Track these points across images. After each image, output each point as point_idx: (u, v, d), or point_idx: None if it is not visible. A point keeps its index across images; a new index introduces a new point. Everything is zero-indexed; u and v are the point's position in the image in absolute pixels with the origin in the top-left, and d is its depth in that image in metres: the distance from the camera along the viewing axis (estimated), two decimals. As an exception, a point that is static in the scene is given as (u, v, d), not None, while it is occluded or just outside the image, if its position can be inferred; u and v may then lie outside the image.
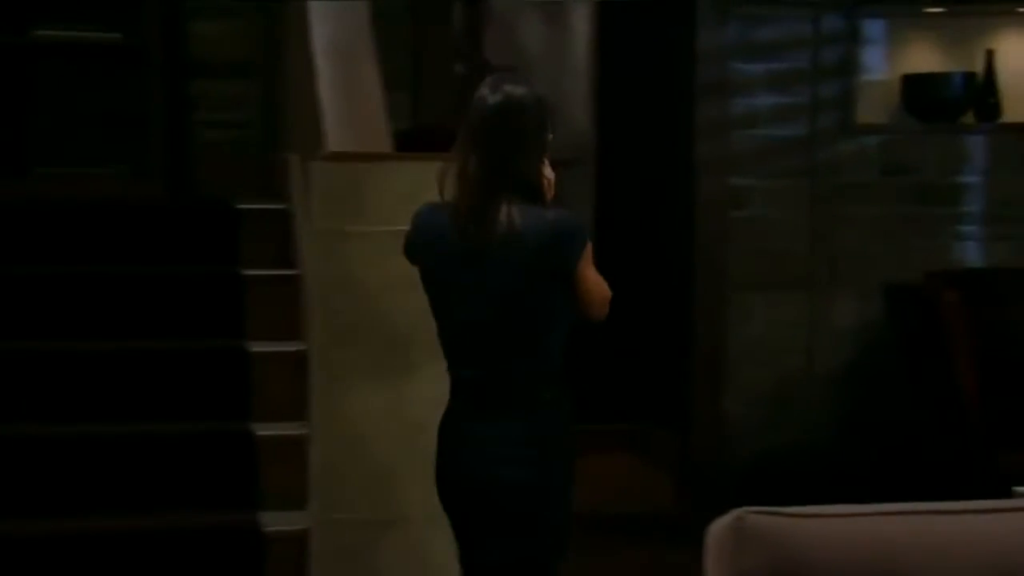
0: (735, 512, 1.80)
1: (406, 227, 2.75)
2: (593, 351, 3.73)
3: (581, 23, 6.25)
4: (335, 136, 3.07)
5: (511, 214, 2.69)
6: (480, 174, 2.69)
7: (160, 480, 3.36)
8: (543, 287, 2.72)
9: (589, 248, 2.78)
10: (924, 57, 5.32)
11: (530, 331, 2.73)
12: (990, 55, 5.27)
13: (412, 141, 3.92)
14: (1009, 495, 2.76)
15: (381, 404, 3.07)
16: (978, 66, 5.29)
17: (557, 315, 2.76)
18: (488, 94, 2.74)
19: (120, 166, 4.31)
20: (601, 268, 3.23)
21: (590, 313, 2.82)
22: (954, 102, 5.27)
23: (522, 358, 2.73)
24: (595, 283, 2.80)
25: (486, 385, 2.72)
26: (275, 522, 3.27)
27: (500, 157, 2.71)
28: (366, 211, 3.05)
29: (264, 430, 3.41)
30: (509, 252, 2.68)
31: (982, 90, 5.28)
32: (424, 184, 2.98)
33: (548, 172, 2.78)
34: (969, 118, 5.34)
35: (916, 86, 5.26)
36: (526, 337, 2.73)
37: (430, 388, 3.01)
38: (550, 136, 2.79)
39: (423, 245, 2.74)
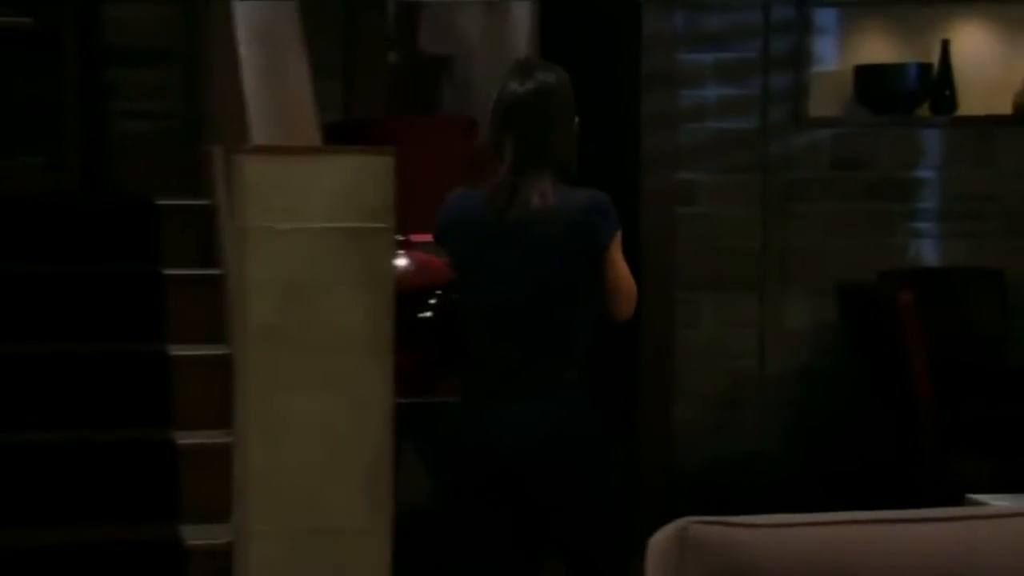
0: (679, 522, 1.80)
1: (335, 224, 2.75)
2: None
3: (521, 11, 6.25)
4: (260, 128, 3.05)
5: (544, 193, 2.95)
6: (514, 156, 2.95)
7: (74, 492, 3.33)
8: (575, 266, 2.96)
9: (619, 234, 3.01)
10: (878, 47, 5.36)
11: (561, 311, 2.96)
12: (945, 45, 5.33)
13: (343, 134, 3.91)
14: (963, 503, 2.79)
15: (309, 410, 3.05)
16: (933, 57, 5.34)
17: (587, 297, 2.99)
18: (519, 83, 3.01)
19: (32, 158, 4.27)
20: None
21: (616, 306, 3.05)
22: (909, 94, 5.32)
23: (552, 338, 2.96)
24: (624, 271, 3.04)
25: (516, 364, 2.96)
26: (196, 535, 3.25)
27: (534, 140, 2.99)
28: (293, 208, 3.03)
29: (185, 438, 3.38)
30: (542, 230, 2.94)
31: (937, 82, 5.33)
32: (357, 179, 2.97)
33: None
34: (924, 111, 5.39)
35: (869, 77, 5.31)
36: (557, 317, 2.96)
37: (360, 393, 3.00)
38: (576, 119, 3.08)
39: (456, 227, 3.01)
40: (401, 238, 3.80)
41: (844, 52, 5.37)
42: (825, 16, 5.34)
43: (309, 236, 3.00)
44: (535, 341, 2.96)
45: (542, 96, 3.03)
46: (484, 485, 3.00)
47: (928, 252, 5.43)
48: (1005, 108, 5.37)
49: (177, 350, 3.52)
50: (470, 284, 3.02)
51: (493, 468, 2.98)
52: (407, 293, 3.54)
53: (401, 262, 3.82)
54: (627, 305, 3.07)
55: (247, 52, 3.21)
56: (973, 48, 5.40)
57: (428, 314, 3.87)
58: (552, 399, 2.96)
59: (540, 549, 3.05)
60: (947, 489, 4.26)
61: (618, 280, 3.03)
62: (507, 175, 2.96)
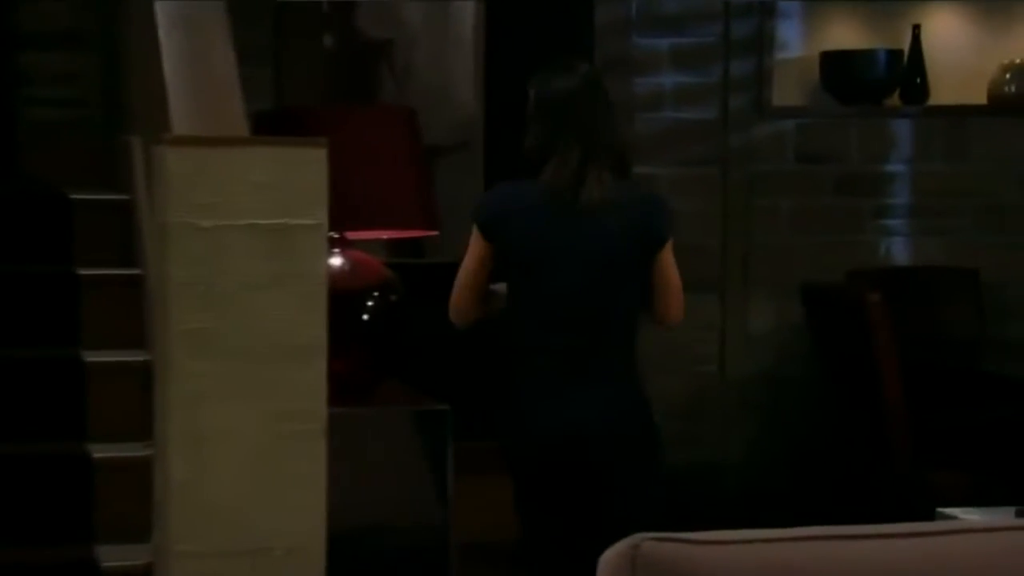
0: (631, 539, 1.81)
1: (264, 221, 2.74)
2: (476, 356, 3.76)
3: (467, -8, 6.25)
4: (182, 117, 3.04)
5: (605, 185, 3.24)
6: (579, 148, 3.24)
7: (-20, 510, 3.30)
8: (634, 258, 3.26)
9: (671, 237, 3.32)
10: (845, 33, 5.40)
11: (620, 301, 3.27)
12: (917, 31, 5.37)
13: (273, 123, 3.90)
14: (933, 517, 2.82)
15: (236, 421, 3.04)
16: (904, 43, 5.38)
17: (641, 290, 3.30)
18: (565, 77, 3.32)
19: (-65, 149, 4.23)
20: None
21: (668, 309, 3.37)
22: (878, 82, 5.36)
23: (611, 327, 3.26)
24: (675, 273, 3.35)
25: (577, 351, 3.24)
26: (113, 556, 3.24)
27: (594, 131, 3.27)
28: (219, 203, 3.02)
29: (101, 451, 3.36)
30: (606, 221, 3.24)
31: (908, 69, 5.37)
32: (287, 171, 2.96)
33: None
34: (894, 100, 5.43)
35: (836, 65, 5.34)
36: (616, 306, 3.26)
37: (291, 403, 2.99)
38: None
39: (511, 217, 3.26)
40: (335, 236, 3.79)
41: (809, 37, 5.39)
42: (789, -1, 5.37)
43: (235, 234, 2.98)
44: (595, 329, 3.25)
45: (593, 87, 3.33)
46: (541, 473, 3.30)
47: (899, 250, 5.46)
48: (980, 97, 5.41)
49: (93, 357, 3.49)
50: (528, 273, 3.27)
51: (553, 456, 3.27)
52: (342, 295, 3.53)
53: (335, 261, 3.81)
54: (678, 306, 3.39)
55: (167, 35, 3.20)
56: (946, 34, 5.44)
57: (365, 317, 3.86)
58: (612, 388, 3.28)
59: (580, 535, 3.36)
60: (918, 502, 4.29)
61: (669, 280, 3.33)
62: (573, 167, 3.24)
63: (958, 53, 5.43)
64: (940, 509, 2.90)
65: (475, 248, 3.41)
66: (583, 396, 3.26)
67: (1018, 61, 5.38)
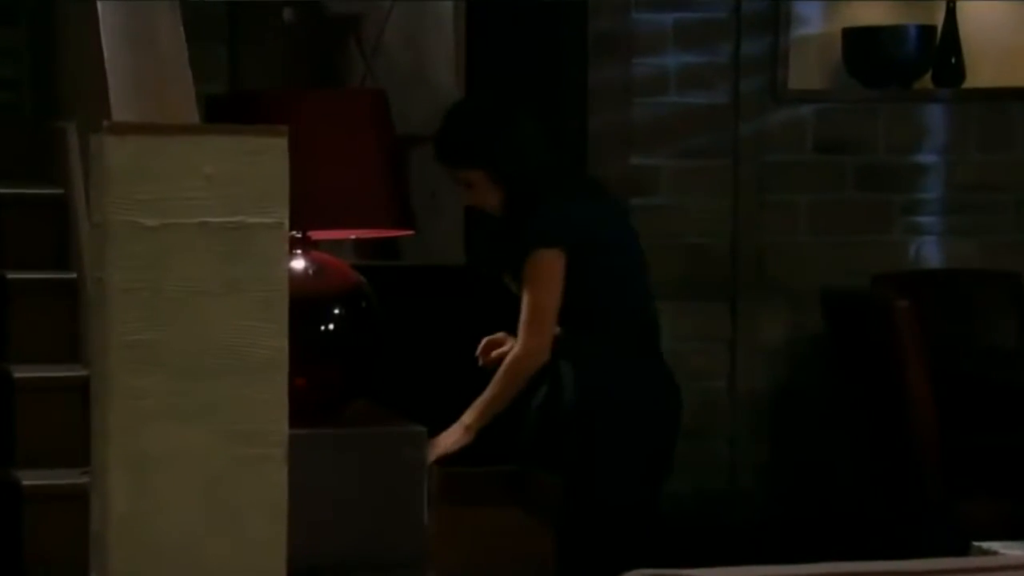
0: (628, 575, 1.81)
1: (216, 219, 2.74)
2: (457, 374, 3.76)
3: (445, -39, 6.26)
4: (123, 101, 3.04)
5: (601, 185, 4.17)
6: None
7: None
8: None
9: None
10: (870, 7, 5.41)
11: (647, 275, 3.96)
12: (951, 5, 5.38)
13: (228, 108, 3.90)
14: (968, 551, 2.82)
15: (185, 445, 3.04)
16: (937, 18, 5.39)
17: None
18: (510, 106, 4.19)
19: None
20: (474, 271, 3.37)
21: None
22: (907, 63, 5.37)
23: (652, 300, 3.96)
24: None
25: (649, 321, 3.93)
26: (46, 597, 3.25)
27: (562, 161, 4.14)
28: (165, 198, 3.02)
29: (32, 479, 3.36)
30: (624, 211, 4.14)
31: (941, 48, 5.38)
32: (242, 163, 2.96)
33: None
34: (926, 83, 5.44)
35: (861, 43, 5.35)
36: (648, 280, 3.96)
37: (247, 423, 2.99)
38: None
39: (578, 225, 3.83)
40: (297, 235, 3.79)
41: (830, 13, 5.41)
42: (808, -31, 5.39)
43: (184, 233, 2.99)
44: (648, 302, 3.93)
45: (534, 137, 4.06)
46: (649, 434, 3.85)
47: (930, 251, 5.48)
48: (1022, 79, 5.43)
49: (22, 371, 3.50)
50: (608, 259, 3.87)
51: (657, 416, 3.86)
52: (305, 302, 3.53)
53: (297, 264, 3.81)
54: None
55: (107, 10, 3.20)
56: (984, 8, 5.45)
57: (331, 327, 3.86)
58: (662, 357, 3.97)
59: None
60: (951, 534, 4.30)
61: None
62: (587, 174, 4.23)
63: (998, 30, 5.45)
64: (976, 543, 2.91)
65: (557, 276, 3.81)
66: (658, 367, 3.92)
67: (1064, 39, 5.41)
